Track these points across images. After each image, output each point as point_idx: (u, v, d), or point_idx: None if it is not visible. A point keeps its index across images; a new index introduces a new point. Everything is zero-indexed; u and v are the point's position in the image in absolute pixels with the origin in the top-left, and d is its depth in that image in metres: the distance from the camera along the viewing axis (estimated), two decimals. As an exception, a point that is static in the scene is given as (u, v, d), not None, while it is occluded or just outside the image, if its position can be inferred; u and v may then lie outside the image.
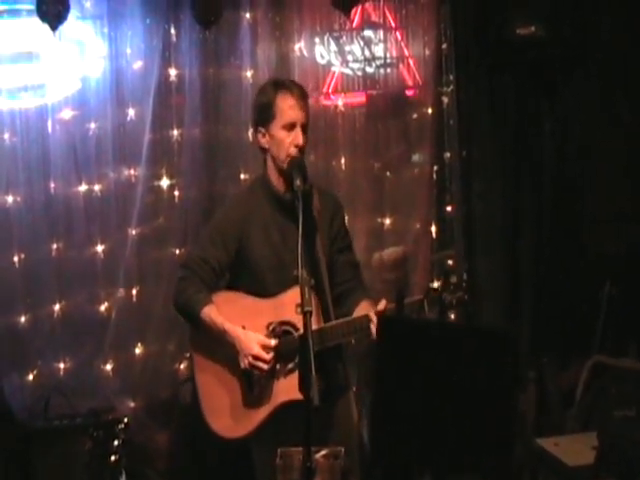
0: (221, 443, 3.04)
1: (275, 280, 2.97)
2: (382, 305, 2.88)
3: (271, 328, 2.96)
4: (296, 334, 2.91)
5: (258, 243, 3.00)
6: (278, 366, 2.95)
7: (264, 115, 2.99)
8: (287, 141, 2.94)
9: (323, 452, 2.62)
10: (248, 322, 2.95)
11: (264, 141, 3.01)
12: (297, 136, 2.94)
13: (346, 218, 3.28)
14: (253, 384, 2.97)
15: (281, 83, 3.06)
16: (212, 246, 3.02)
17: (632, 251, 4.41)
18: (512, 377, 2.35)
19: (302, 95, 2.99)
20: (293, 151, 2.94)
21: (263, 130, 3.00)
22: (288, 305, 2.92)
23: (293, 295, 2.82)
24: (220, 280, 3.09)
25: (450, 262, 4.48)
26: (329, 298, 2.97)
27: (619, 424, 3.52)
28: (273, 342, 2.92)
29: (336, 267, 3.07)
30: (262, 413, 2.95)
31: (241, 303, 3.01)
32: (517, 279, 4.59)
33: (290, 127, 2.94)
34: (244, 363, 2.91)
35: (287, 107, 2.95)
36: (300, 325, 2.73)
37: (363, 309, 2.95)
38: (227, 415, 2.99)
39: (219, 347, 2.97)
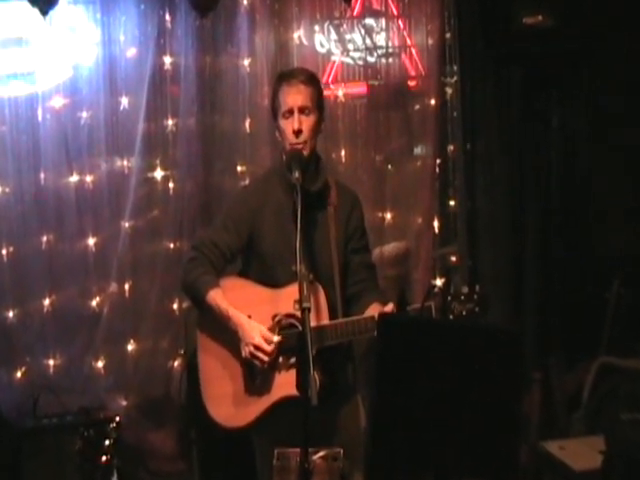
0: (221, 433, 2.99)
1: (285, 271, 2.94)
2: (389, 308, 2.88)
3: (277, 319, 2.95)
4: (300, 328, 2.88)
5: (270, 233, 3.00)
6: (281, 359, 2.93)
7: (273, 109, 3.04)
8: (287, 129, 2.95)
9: (321, 453, 2.59)
10: (254, 311, 2.95)
11: (277, 134, 3.05)
12: (293, 121, 2.94)
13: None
14: (255, 374, 2.95)
15: (282, 74, 3.09)
16: (224, 231, 3.03)
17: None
18: (517, 376, 2.33)
19: (301, 79, 2.98)
20: (293, 138, 2.94)
21: (275, 124, 3.04)
22: (295, 298, 2.87)
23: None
24: (228, 265, 3.09)
25: (453, 259, 4.45)
26: (339, 295, 2.96)
27: (627, 427, 3.48)
28: (276, 338, 2.90)
29: (350, 268, 3.06)
30: (262, 405, 2.93)
31: (248, 291, 3.01)
32: (522, 276, 4.55)
33: (289, 114, 2.96)
34: (245, 352, 2.91)
35: (284, 96, 2.97)
36: None
37: (373, 312, 2.91)
38: (228, 403, 2.97)
39: (224, 331, 2.96)
